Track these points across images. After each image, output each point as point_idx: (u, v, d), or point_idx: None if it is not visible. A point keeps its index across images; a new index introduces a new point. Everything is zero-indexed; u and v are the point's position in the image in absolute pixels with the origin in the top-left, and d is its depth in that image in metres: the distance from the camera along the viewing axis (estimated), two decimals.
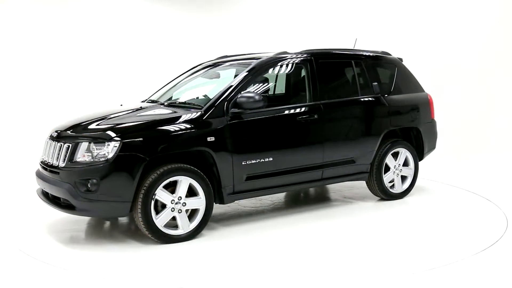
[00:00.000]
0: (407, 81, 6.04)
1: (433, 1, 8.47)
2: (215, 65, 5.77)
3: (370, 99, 5.61)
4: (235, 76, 5.10)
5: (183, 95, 5.52)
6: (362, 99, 5.58)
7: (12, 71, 9.20)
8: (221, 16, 10.56)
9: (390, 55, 6.15)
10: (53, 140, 4.59)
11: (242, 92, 4.71)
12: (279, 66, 5.28)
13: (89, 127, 4.55)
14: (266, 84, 5.23)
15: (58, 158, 4.42)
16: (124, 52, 9.84)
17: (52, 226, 5.04)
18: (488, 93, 7.92)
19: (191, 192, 4.49)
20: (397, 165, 5.76)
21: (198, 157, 4.62)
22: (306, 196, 6.27)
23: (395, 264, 3.95)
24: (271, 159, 4.84)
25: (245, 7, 10.80)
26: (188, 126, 4.48)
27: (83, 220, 5.15)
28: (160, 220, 4.35)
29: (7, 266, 4.08)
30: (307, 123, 5.07)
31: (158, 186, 4.30)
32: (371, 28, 8.98)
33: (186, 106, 4.93)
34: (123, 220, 5.23)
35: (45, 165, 4.62)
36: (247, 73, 4.94)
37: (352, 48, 6.25)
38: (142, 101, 5.63)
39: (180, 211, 4.42)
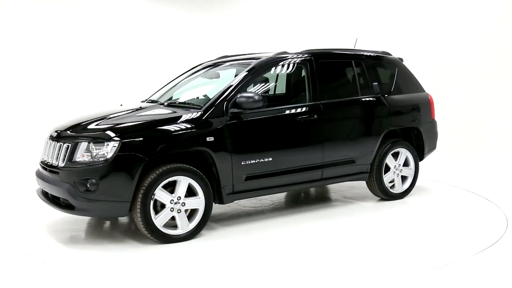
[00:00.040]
0: (408, 81, 6.04)
1: (434, 1, 8.46)
2: (215, 65, 5.77)
3: (370, 99, 5.61)
4: (235, 76, 5.10)
5: (183, 95, 5.52)
6: (362, 99, 5.58)
7: (12, 71, 9.20)
8: (221, 16, 10.55)
9: (391, 55, 6.14)
10: (53, 140, 4.59)
11: (241, 92, 4.70)
12: (279, 66, 5.27)
13: (89, 127, 4.55)
14: (266, 84, 5.23)
15: (57, 158, 4.43)
16: (124, 52, 9.84)
17: (52, 226, 5.04)
18: (488, 93, 7.91)
19: (191, 192, 4.49)
20: (397, 165, 5.75)
21: (198, 157, 4.62)
22: (306, 196, 6.26)
23: (395, 264, 3.95)
24: (270, 159, 4.84)
25: (245, 7, 10.80)
26: (188, 126, 4.48)
27: (83, 220, 5.15)
28: (159, 220, 4.35)
29: (7, 266, 4.08)
30: (306, 123, 5.06)
31: (157, 186, 4.30)
32: (372, 28, 8.98)
33: (186, 106, 4.93)
34: (123, 220, 5.23)
35: (45, 165, 4.63)
36: (246, 73, 4.94)
37: (353, 48, 6.24)
38: (142, 101, 5.63)
39: (179, 211, 4.42)
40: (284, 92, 5.86)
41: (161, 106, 5.11)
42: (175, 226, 4.45)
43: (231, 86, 4.79)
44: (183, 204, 4.43)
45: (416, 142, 6.03)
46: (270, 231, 4.76)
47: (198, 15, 10.39)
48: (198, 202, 4.50)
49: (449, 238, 4.51)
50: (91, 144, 4.25)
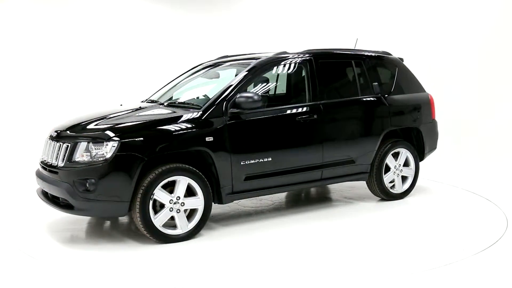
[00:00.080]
0: (408, 81, 6.03)
1: (434, 1, 8.46)
2: (215, 65, 5.77)
3: (370, 99, 5.60)
4: (235, 76, 5.09)
5: (183, 95, 5.52)
6: (362, 99, 5.57)
7: (12, 71, 9.22)
8: (221, 16, 10.56)
9: (391, 55, 6.13)
10: (53, 140, 4.59)
11: (241, 92, 4.70)
12: (278, 66, 5.27)
13: (88, 127, 4.55)
14: (266, 84, 5.23)
15: (57, 158, 4.43)
16: (124, 52, 9.85)
17: (52, 225, 5.04)
18: (488, 93, 7.90)
19: (190, 192, 4.49)
20: (397, 165, 5.75)
21: (197, 157, 4.62)
22: (307, 196, 6.26)
23: (395, 264, 3.94)
24: (270, 159, 4.84)
25: (245, 7, 10.80)
26: (187, 126, 4.47)
27: (83, 220, 5.15)
28: (159, 220, 4.35)
29: (7, 266, 4.08)
30: (306, 123, 5.06)
31: (157, 186, 4.30)
32: (372, 28, 8.97)
33: (185, 106, 4.93)
34: (123, 219, 5.23)
35: (45, 165, 4.63)
36: (246, 73, 4.93)
37: (353, 48, 6.24)
38: (142, 101, 5.63)
39: (178, 211, 4.42)
40: (284, 92, 5.85)
41: (161, 106, 5.11)
42: (174, 226, 4.45)
43: (230, 86, 4.78)
44: (182, 204, 4.42)
45: (416, 142, 6.03)
46: (269, 231, 4.76)
47: (198, 15, 10.40)
48: (198, 202, 4.50)
49: (449, 238, 4.51)
50: (91, 144, 4.25)
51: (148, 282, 3.67)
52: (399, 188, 5.80)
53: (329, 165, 5.23)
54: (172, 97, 5.50)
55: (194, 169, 4.46)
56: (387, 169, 5.69)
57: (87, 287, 3.62)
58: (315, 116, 5.11)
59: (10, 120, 9.11)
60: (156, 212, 4.36)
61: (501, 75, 7.73)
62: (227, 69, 5.57)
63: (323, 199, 6.04)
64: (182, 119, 4.51)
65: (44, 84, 9.36)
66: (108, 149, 4.19)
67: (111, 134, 4.27)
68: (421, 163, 6.02)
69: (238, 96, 4.66)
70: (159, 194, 4.33)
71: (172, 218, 4.42)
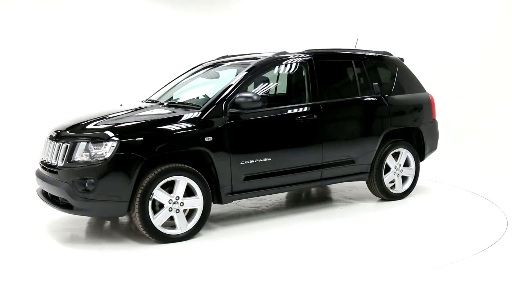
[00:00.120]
0: (408, 81, 6.02)
1: (434, 1, 8.45)
2: (215, 65, 5.76)
3: (370, 99, 5.60)
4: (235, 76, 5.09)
5: (183, 95, 5.52)
6: (362, 99, 5.57)
7: (12, 71, 9.23)
8: (221, 16, 10.56)
9: (391, 55, 6.13)
10: (53, 140, 4.60)
11: (240, 92, 4.70)
12: (278, 66, 5.27)
13: (88, 127, 4.55)
14: (266, 84, 5.23)
15: (56, 157, 4.43)
16: (124, 52, 9.86)
17: (52, 225, 5.04)
18: (489, 93, 7.89)
19: (189, 192, 4.49)
20: (397, 165, 5.74)
21: (196, 157, 4.62)
22: (307, 196, 6.25)
23: (395, 264, 3.94)
24: (269, 159, 4.83)
25: (245, 7, 10.80)
26: (186, 126, 4.47)
27: (83, 220, 5.15)
28: (158, 220, 4.35)
29: (7, 266, 4.07)
30: (306, 123, 5.06)
31: (156, 186, 4.30)
32: (373, 28, 8.96)
33: (185, 106, 4.93)
34: (123, 219, 5.22)
35: (45, 165, 4.63)
36: (246, 73, 4.93)
37: (354, 48, 6.23)
38: (142, 101, 5.63)
39: (177, 211, 4.41)
40: (284, 92, 5.85)
41: (160, 106, 5.11)
42: (173, 226, 4.45)
43: (230, 86, 4.78)
44: (181, 204, 4.42)
45: (417, 142, 6.02)
46: (269, 231, 4.75)
47: (198, 15, 10.40)
48: (197, 202, 4.49)
49: (449, 238, 4.50)
50: (90, 144, 4.25)
51: (148, 282, 3.67)
52: (399, 188, 5.79)
53: (329, 165, 5.23)
54: (172, 97, 5.50)
55: (193, 169, 4.46)
56: (387, 169, 5.68)
57: (87, 287, 3.62)
58: (314, 116, 5.10)
59: (10, 120, 9.11)
60: (155, 212, 4.36)
61: (501, 75, 7.72)
62: (227, 69, 5.57)
63: (323, 199, 6.03)
64: (182, 119, 4.51)
65: (44, 84, 9.36)
66: (107, 149, 4.19)
67: (110, 134, 4.27)
68: (421, 163, 6.01)
69: (237, 96, 4.66)
70: (158, 194, 4.33)
71: (172, 218, 4.42)
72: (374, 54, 5.89)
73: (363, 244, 4.41)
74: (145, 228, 4.32)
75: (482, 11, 7.91)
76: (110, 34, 9.85)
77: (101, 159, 4.19)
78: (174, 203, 4.39)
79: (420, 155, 5.99)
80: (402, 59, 6.21)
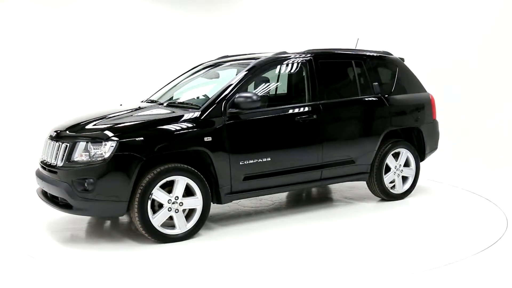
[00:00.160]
0: (409, 81, 6.02)
1: (435, 1, 8.45)
2: (215, 65, 5.76)
3: (370, 99, 5.59)
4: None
5: (183, 95, 5.52)
6: (362, 99, 5.56)
7: (12, 71, 9.23)
8: (221, 16, 10.56)
9: (392, 55, 6.12)
10: (52, 140, 4.60)
11: (240, 92, 4.69)
12: (278, 66, 5.27)
13: (87, 127, 4.55)
14: (265, 84, 5.22)
15: (56, 157, 4.43)
16: (124, 52, 9.86)
17: (52, 225, 5.04)
18: (489, 93, 7.88)
19: (189, 192, 4.49)
20: (398, 165, 5.73)
21: (196, 157, 4.62)
22: (307, 196, 6.25)
23: (395, 264, 3.94)
24: (269, 159, 4.83)
25: (245, 7, 10.80)
26: (185, 126, 4.47)
27: (83, 220, 5.15)
28: (157, 220, 4.34)
29: (7, 266, 4.07)
30: (305, 123, 5.05)
31: (155, 186, 4.30)
32: (373, 28, 8.96)
33: (184, 106, 4.93)
34: (123, 219, 5.22)
35: (44, 165, 4.63)
36: (246, 73, 4.93)
37: (354, 48, 6.22)
38: (142, 101, 5.63)
39: (177, 211, 4.41)
40: (284, 92, 5.84)
41: (160, 106, 5.11)
42: (173, 226, 4.44)
43: (229, 86, 4.78)
44: (180, 204, 4.42)
45: (417, 143, 6.01)
46: (269, 231, 4.75)
47: (198, 15, 10.40)
48: (196, 202, 4.49)
49: (449, 238, 4.50)
50: (89, 144, 4.26)
51: (147, 282, 3.67)
52: (400, 189, 5.78)
53: (328, 165, 5.22)
54: (172, 97, 5.49)
55: (192, 169, 4.46)
56: (388, 169, 5.67)
57: (87, 287, 3.62)
58: (314, 116, 5.10)
59: (10, 120, 9.11)
60: (154, 212, 4.36)
61: (501, 75, 7.71)
62: (227, 69, 5.56)
63: (323, 199, 6.03)
64: (181, 119, 4.51)
65: (44, 84, 9.36)
66: (106, 149, 4.19)
67: (109, 134, 4.27)
68: (421, 163, 6.00)
69: (237, 96, 4.66)
70: (158, 194, 4.33)
71: (171, 218, 4.42)
72: (374, 54, 5.89)
73: (363, 244, 4.40)
74: (144, 228, 4.32)
75: (482, 11, 7.90)
76: (110, 34, 9.85)
77: (100, 159, 4.19)
78: (173, 203, 4.39)
79: (420, 155, 5.98)
80: (402, 59, 6.20)
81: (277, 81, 5.65)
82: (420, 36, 8.57)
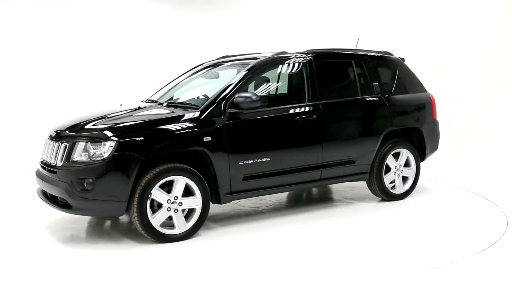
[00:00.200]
0: (409, 81, 6.01)
1: (435, 1, 8.44)
2: (215, 65, 5.76)
3: (370, 99, 5.59)
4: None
5: (183, 95, 5.52)
6: (361, 99, 5.55)
7: (12, 71, 9.23)
8: (221, 16, 10.56)
9: (392, 55, 6.11)
10: (52, 140, 4.60)
11: (239, 92, 4.69)
12: (278, 66, 5.26)
13: (87, 126, 4.55)
14: (265, 84, 5.21)
15: (56, 157, 4.43)
16: (124, 52, 9.86)
17: (52, 225, 5.05)
18: (489, 93, 7.88)
19: (188, 192, 4.48)
20: (398, 165, 5.72)
21: (195, 156, 4.61)
22: (307, 196, 6.24)
23: (395, 264, 3.93)
24: (268, 159, 4.82)
25: (245, 7, 10.80)
26: (185, 126, 4.47)
27: (83, 219, 5.15)
28: (156, 220, 4.34)
29: (7, 266, 4.07)
30: (305, 123, 5.05)
31: (154, 186, 4.30)
32: (373, 28, 8.96)
33: (184, 106, 4.93)
34: (124, 219, 5.22)
35: (44, 165, 4.64)
36: (245, 73, 4.93)
37: (354, 48, 6.22)
38: (142, 101, 5.63)
39: (176, 211, 4.41)
40: (283, 92, 5.84)
41: (159, 106, 5.11)
42: (172, 226, 4.44)
43: (229, 86, 4.78)
44: (180, 204, 4.42)
45: (417, 143, 6.00)
46: (269, 231, 4.74)
47: (198, 15, 10.40)
48: (195, 202, 4.49)
49: (449, 238, 4.49)
50: (89, 144, 4.26)
51: (146, 282, 3.67)
52: (400, 189, 5.77)
53: (328, 165, 5.22)
54: (172, 97, 5.49)
55: (192, 169, 4.46)
56: (388, 169, 5.66)
57: (87, 287, 3.62)
58: (314, 116, 5.09)
59: (10, 120, 9.12)
60: (154, 211, 4.35)
61: (501, 75, 7.71)
62: (227, 69, 5.56)
63: (323, 199, 6.02)
64: (180, 119, 4.51)
65: (44, 84, 9.36)
66: (105, 149, 4.19)
67: (109, 133, 4.28)
68: (421, 163, 5.99)
69: (236, 96, 4.65)
70: (157, 194, 4.33)
71: (170, 218, 4.41)
72: (374, 54, 5.88)
73: (363, 244, 4.40)
74: (144, 228, 4.32)
75: (482, 11, 7.90)
76: (110, 34, 9.85)
77: (99, 158, 4.19)
78: (172, 203, 4.39)
79: (420, 155, 5.97)
80: (403, 59, 6.19)
81: (277, 81, 5.65)
82: (420, 36, 8.57)
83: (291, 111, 5.03)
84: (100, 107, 5.38)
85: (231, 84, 4.79)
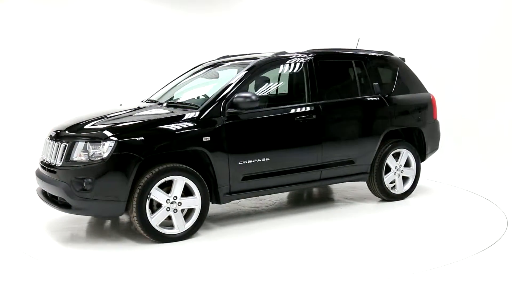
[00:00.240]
0: (410, 81, 6.00)
1: (435, 1, 8.44)
2: (215, 65, 5.76)
3: (370, 99, 5.58)
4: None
5: (183, 95, 5.52)
6: (362, 99, 5.55)
7: (12, 71, 9.23)
8: (221, 16, 10.56)
9: (392, 55, 6.11)
10: (52, 140, 4.61)
11: (238, 92, 4.69)
12: (278, 66, 5.26)
13: (86, 126, 4.55)
14: (265, 84, 5.21)
15: (55, 157, 4.44)
16: (124, 52, 9.86)
17: (52, 225, 5.05)
18: (490, 93, 7.88)
19: (187, 192, 4.48)
20: (398, 166, 5.72)
21: (194, 156, 4.61)
22: (308, 196, 6.24)
23: (395, 264, 3.93)
24: (268, 159, 4.82)
25: (245, 7, 10.80)
26: (184, 126, 4.47)
27: (83, 219, 5.16)
28: (155, 220, 4.34)
29: (7, 266, 4.07)
30: (305, 123, 5.04)
31: (153, 186, 4.30)
32: (374, 28, 8.95)
33: (183, 106, 4.93)
34: (124, 219, 5.22)
35: (44, 165, 4.64)
36: (245, 73, 4.93)
37: (355, 48, 6.21)
38: (141, 101, 5.63)
39: (175, 211, 4.41)
40: (283, 92, 5.83)
41: (159, 106, 5.11)
42: (172, 226, 4.44)
43: (228, 86, 4.78)
44: (179, 204, 4.42)
45: (418, 143, 5.99)
46: (268, 231, 4.74)
47: (198, 15, 10.40)
48: (195, 201, 4.49)
49: (449, 238, 4.49)
50: (88, 144, 4.26)
51: (146, 282, 3.67)
52: (400, 189, 5.77)
53: (328, 165, 5.21)
54: (172, 97, 5.49)
55: (191, 169, 4.45)
56: (388, 169, 5.66)
57: (87, 287, 3.62)
58: (314, 116, 5.09)
59: (10, 120, 9.12)
60: (153, 211, 4.35)
61: (501, 75, 7.70)
62: (227, 69, 5.56)
63: (324, 199, 6.02)
64: (180, 119, 4.51)
65: (44, 84, 9.36)
66: (105, 149, 4.19)
67: (108, 133, 4.28)
68: (421, 163, 5.98)
69: (236, 96, 4.65)
70: (156, 193, 4.32)
71: (170, 217, 4.41)
72: (375, 54, 5.87)
73: (363, 244, 4.39)
74: (143, 228, 4.32)
75: (482, 11, 7.89)
76: (110, 34, 9.85)
77: (99, 158, 4.19)
78: (172, 202, 4.39)
79: (421, 156, 5.96)
80: (403, 59, 6.19)
81: (277, 81, 5.64)
82: (421, 36, 8.56)
83: (291, 111, 5.03)
84: (100, 107, 5.38)
85: (231, 84, 4.79)
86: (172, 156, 4.51)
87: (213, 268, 3.91)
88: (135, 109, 4.98)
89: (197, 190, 4.47)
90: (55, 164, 4.41)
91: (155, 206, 4.39)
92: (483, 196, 5.83)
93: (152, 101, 5.47)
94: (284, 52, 5.32)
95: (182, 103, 5.09)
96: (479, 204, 5.56)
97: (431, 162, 6.67)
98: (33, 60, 9.32)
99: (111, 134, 4.26)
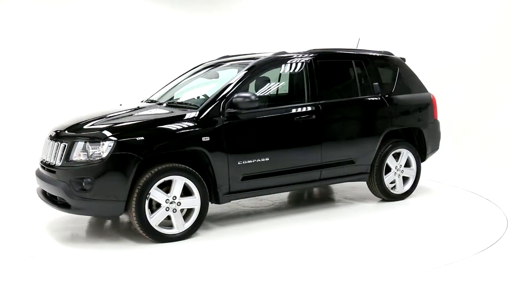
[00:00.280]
0: (410, 81, 6.00)
1: (435, 1, 8.44)
2: (215, 65, 5.76)
3: (370, 99, 5.58)
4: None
5: (183, 95, 5.52)
6: (361, 100, 5.54)
7: (12, 71, 9.24)
8: (221, 16, 10.56)
9: (393, 55, 6.10)
10: (52, 140, 4.61)
11: (238, 92, 4.68)
12: (278, 66, 5.25)
13: (86, 126, 4.56)
14: (265, 84, 5.21)
15: (55, 157, 4.44)
16: (124, 52, 9.86)
17: (52, 225, 5.05)
18: (490, 93, 7.87)
19: (187, 192, 4.48)
20: (398, 166, 5.71)
21: (194, 156, 4.61)
22: (308, 196, 6.24)
23: (395, 264, 3.92)
24: (267, 159, 4.81)
25: (245, 7, 10.80)
26: (184, 125, 4.47)
27: (83, 219, 5.16)
28: (155, 219, 4.34)
29: (7, 266, 4.07)
30: (304, 123, 5.04)
31: (153, 186, 4.29)
32: (374, 28, 8.95)
33: (183, 106, 4.93)
34: (124, 219, 5.22)
35: (44, 164, 4.64)
36: (245, 72, 4.92)
37: (355, 47, 6.21)
38: (141, 101, 5.63)
39: (174, 211, 4.41)
40: (283, 92, 5.82)
41: (159, 106, 5.11)
42: (171, 226, 4.44)
43: (228, 86, 4.77)
44: (178, 204, 4.42)
45: (418, 143, 5.99)
46: (268, 231, 4.74)
47: (198, 15, 10.40)
48: (194, 201, 4.49)
49: (449, 238, 4.48)
50: (87, 144, 4.26)
51: (145, 282, 3.67)
52: (400, 189, 5.76)
53: (328, 165, 5.20)
54: (172, 97, 5.49)
55: (190, 169, 4.45)
56: (388, 169, 5.65)
57: (86, 287, 3.62)
58: (313, 116, 5.09)
59: (10, 120, 9.12)
60: (152, 211, 4.35)
61: (502, 75, 7.70)
62: (227, 69, 5.56)
63: (324, 199, 6.02)
64: (179, 119, 4.51)
65: (44, 84, 9.37)
66: (104, 149, 4.19)
67: (107, 133, 4.28)
68: (422, 163, 5.97)
69: (235, 96, 4.65)
70: (155, 193, 4.32)
71: (169, 217, 4.41)
72: (375, 54, 5.87)
73: (363, 244, 4.39)
74: (142, 228, 4.32)
75: (482, 11, 7.89)
76: (110, 34, 9.86)
77: (98, 158, 4.19)
78: (171, 202, 4.38)
79: (421, 156, 5.95)
80: (403, 59, 6.18)
81: (277, 81, 5.64)
82: (421, 36, 8.56)
83: (291, 111, 5.02)
84: (100, 107, 5.38)
85: (230, 84, 4.79)
86: (171, 156, 4.51)
87: (213, 268, 3.91)
88: (135, 109, 4.98)
89: (197, 190, 4.47)
90: (55, 164, 4.42)
91: (155, 206, 4.39)
92: (483, 196, 5.82)
93: (152, 101, 5.47)
94: (284, 52, 5.31)
95: (181, 103, 5.09)
96: (479, 204, 5.55)
97: (431, 162, 6.67)
98: (33, 60, 9.33)
99: (110, 134, 4.26)
